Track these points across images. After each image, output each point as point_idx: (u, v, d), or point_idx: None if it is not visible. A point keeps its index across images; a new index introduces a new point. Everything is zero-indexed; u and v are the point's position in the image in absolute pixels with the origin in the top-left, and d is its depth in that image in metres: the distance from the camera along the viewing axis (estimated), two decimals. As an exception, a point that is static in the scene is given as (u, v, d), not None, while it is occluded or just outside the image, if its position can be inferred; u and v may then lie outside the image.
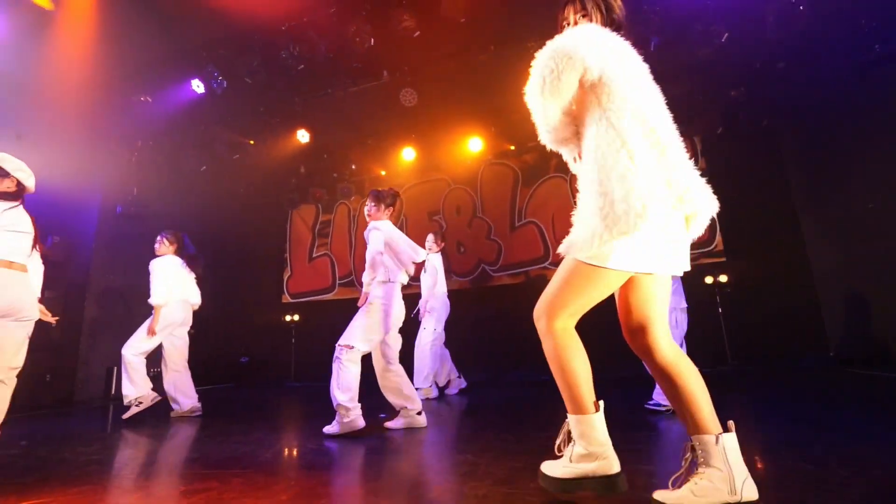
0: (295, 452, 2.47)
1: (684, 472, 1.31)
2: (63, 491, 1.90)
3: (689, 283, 5.91)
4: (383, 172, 7.26)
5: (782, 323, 5.66)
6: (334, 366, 2.86)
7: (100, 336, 5.92)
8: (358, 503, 1.64)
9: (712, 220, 5.79)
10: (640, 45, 4.49)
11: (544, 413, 3.43)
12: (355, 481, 1.91)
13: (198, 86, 5.29)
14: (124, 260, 6.26)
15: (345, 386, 2.80)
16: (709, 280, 6.00)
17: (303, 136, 6.06)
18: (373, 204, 3.17)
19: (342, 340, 2.90)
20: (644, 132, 1.34)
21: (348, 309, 7.74)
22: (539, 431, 2.64)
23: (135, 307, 6.41)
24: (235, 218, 7.88)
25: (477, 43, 4.68)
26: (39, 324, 2.84)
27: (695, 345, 5.74)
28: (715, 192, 5.65)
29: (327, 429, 2.81)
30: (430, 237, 4.91)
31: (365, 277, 3.00)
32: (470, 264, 7.08)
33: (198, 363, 7.23)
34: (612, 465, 1.33)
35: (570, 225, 1.50)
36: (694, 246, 5.55)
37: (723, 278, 5.95)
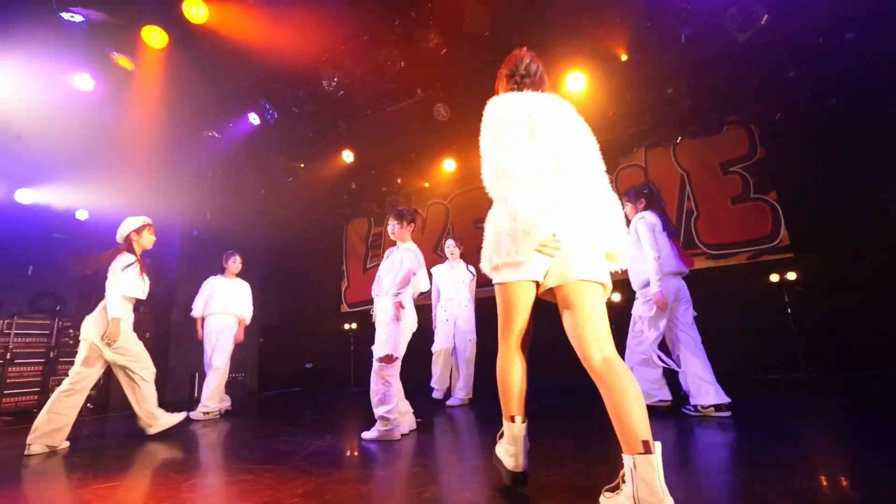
0: (329, 452, 2.70)
1: (616, 486, 1.38)
2: (133, 476, 2.27)
3: (752, 282, 5.58)
4: (427, 184, 7.50)
5: (868, 325, 5.05)
6: (374, 380, 2.97)
7: (184, 345, 6.70)
8: (353, 500, 1.81)
9: (775, 212, 5.40)
10: (669, 37, 4.32)
11: (574, 419, 3.42)
12: (365, 481, 2.09)
13: (254, 119, 5.87)
14: (203, 278, 7.06)
15: (388, 399, 2.93)
16: (774, 278, 5.55)
17: (348, 156, 6.47)
18: (396, 223, 3.31)
19: (381, 352, 2.99)
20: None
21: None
22: (556, 438, 2.67)
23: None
24: (295, 235, 8.53)
25: (503, 53, 4.74)
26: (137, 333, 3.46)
27: (763, 347, 5.39)
28: (777, 182, 5.33)
29: (365, 434, 2.99)
30: (451, 242, 5.03)
31: (392, 289, 3.13)
32: (516, 269, 7.10)
33: (267, 369, 7.95)
34: (519, 464, 1.68)
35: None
36: (754, 242, 5.16)
37: (791, 276, 5.47)
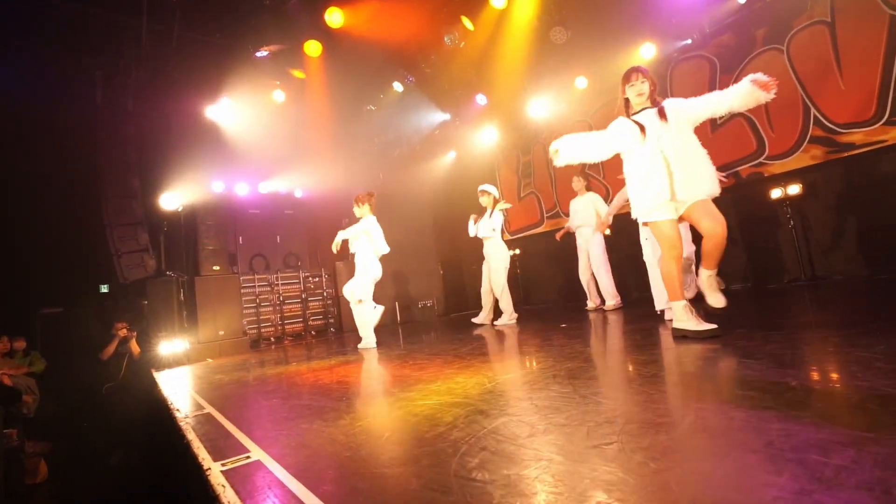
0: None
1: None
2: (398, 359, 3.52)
3: None
4: (564, 105, 7.44)
5: None
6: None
7: (386, 283, 8.49)
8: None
9: None
10: None
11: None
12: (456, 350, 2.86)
13: (398, 86, 6.78)
14: (389, 225, 8.66)
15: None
16: None
17: (481, 99, 6.92)
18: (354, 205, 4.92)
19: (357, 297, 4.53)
20: None
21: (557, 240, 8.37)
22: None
23: (407, 261, 8.88)
24: (453, 176, 9.53)
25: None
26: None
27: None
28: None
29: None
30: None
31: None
32: (669, 176, 6.71)
33: (451, 295, 9.48)
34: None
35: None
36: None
37: None
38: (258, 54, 5.17)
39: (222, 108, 6.37)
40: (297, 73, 5.66)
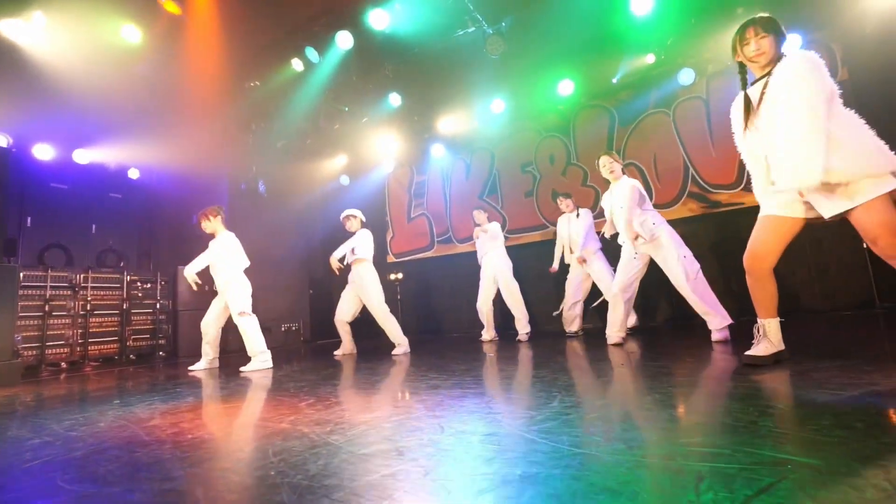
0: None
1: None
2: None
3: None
4: (475, 125, 7.22)
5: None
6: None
7: (266, 293, 6.87)
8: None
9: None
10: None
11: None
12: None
13: (297, 65, 5.70)
14: (255, 231, 7.12)
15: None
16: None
17: (395, 99, 6.26)
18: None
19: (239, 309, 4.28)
20: None
21: (447, 266, 7.96)
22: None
23: (272, 276, 7.37)
24: (339, 187, 8.50)
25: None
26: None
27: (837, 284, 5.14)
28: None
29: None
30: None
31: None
32: (566, 214, 6.90)
33: (318, 320, 8.21)
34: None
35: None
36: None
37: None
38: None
39: (32, 27, 4.45)
40: (170, 6, 4.21)
